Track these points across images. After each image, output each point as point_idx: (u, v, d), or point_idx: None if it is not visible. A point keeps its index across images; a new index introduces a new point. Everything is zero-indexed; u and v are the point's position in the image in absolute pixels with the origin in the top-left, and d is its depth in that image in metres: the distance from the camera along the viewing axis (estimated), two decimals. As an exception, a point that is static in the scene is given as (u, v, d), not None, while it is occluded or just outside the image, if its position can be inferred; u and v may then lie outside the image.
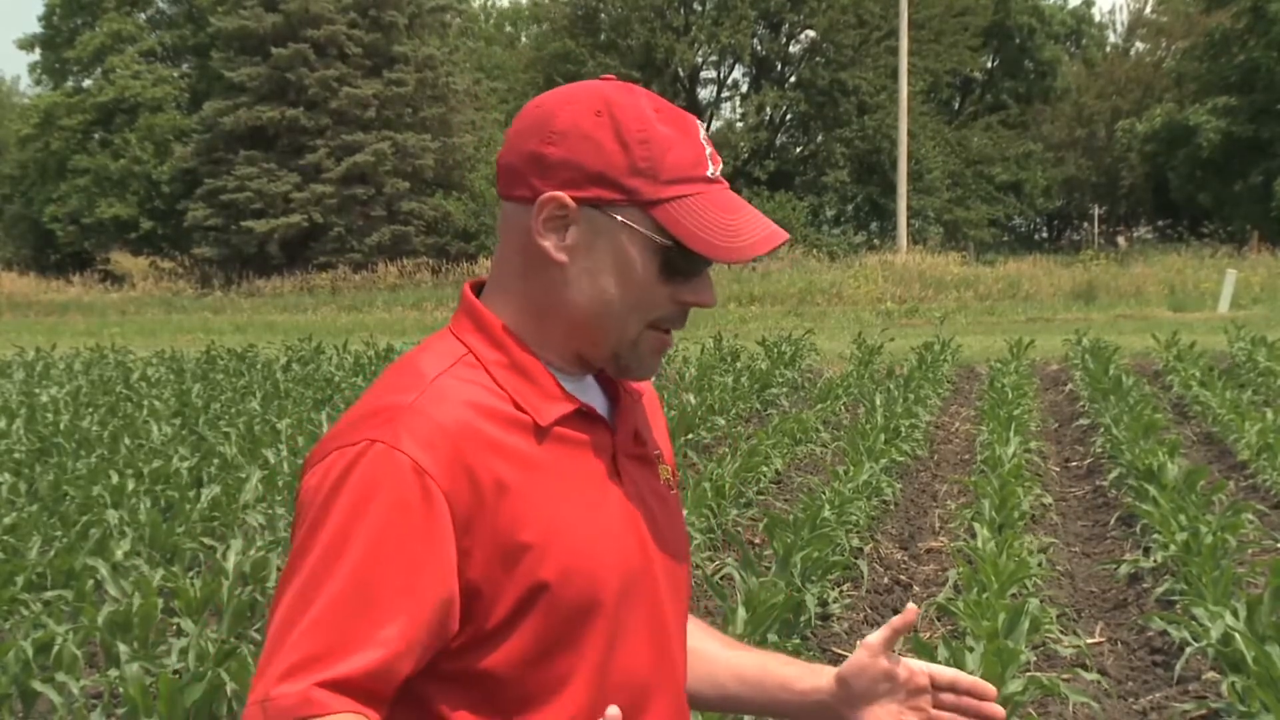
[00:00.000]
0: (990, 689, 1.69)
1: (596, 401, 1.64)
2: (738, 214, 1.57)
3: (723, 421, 11.81)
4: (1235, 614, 5.40)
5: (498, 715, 1.53)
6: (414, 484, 1.47)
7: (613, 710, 1.40)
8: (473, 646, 1.51)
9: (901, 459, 9.87)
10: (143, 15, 45.68)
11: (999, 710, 1.69)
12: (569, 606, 1.52)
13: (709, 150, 1.58)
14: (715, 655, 1.83)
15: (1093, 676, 5.40)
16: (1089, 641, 6.04)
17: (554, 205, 1.55)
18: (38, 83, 47.35)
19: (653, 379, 1.73)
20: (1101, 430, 10.79)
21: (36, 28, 47.06)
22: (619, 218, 1.55)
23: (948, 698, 1.72)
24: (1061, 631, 6.06)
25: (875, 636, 1.75)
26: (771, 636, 5.70)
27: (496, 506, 1.50)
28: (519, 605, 1.51)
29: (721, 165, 1.61)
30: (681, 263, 1.56)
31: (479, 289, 1.65)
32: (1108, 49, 58.06)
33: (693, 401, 12.38)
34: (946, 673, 1.71)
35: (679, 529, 1.70)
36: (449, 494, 1.48)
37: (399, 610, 1.45)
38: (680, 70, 46.85)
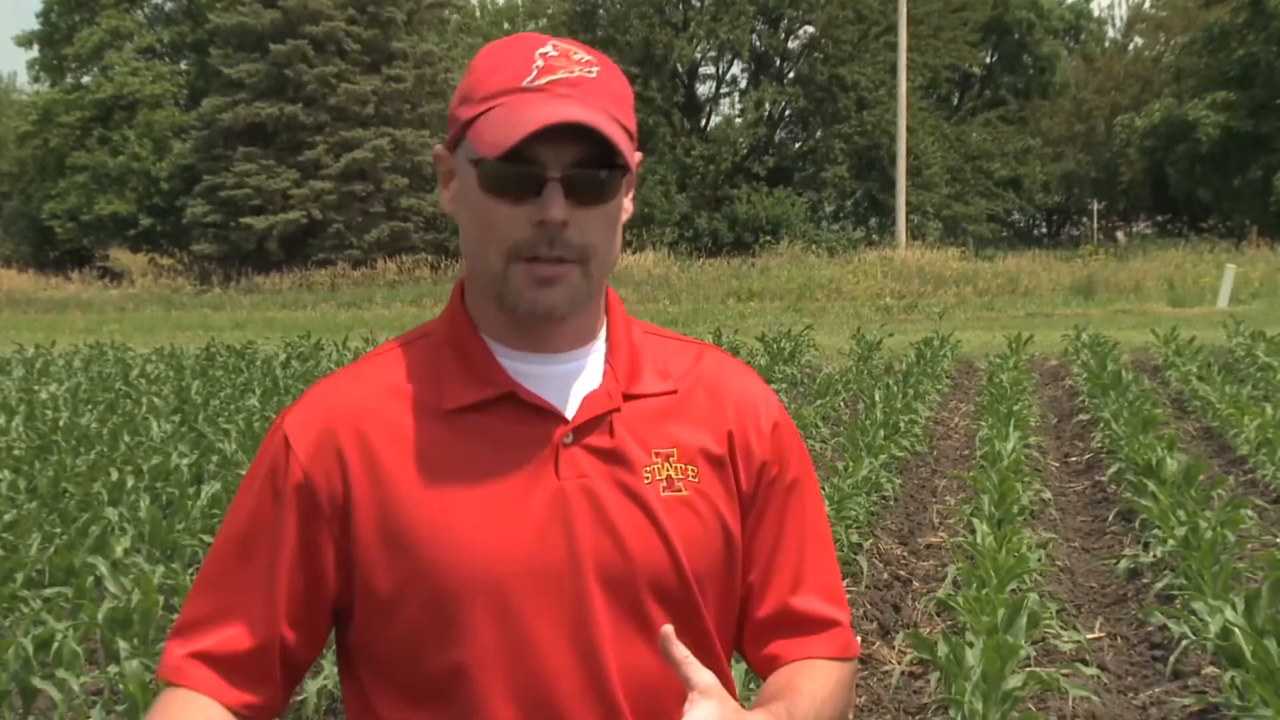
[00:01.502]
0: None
1: (562, 388, 1.57)
2: (531, 109, 1.47)
3: (722, 417, 11.81)
4: (1234, 608, 5.40)
5: (407, 701, 1.56)
6: (281, 460, 1.56)
7: None
8: (365, 625, 1.57)
9: (901, 454, 9.87)
10: (141, 12, 45.62)
11: None
12: (445, 594, 1.51)
13: (542, 63, 1.51)
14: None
15: (1092, 671, 5.40)
16: (1088, 636, 6.04)
17: (438, 161, 1.62)
18: (36, 80, 47.31)
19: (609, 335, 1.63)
20: (1101, 425, 10.79)
21: (35, 24, 47.02)
22: (460, 150, 1.56)
23: None
24: (1061, 626, 6.07)
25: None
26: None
27: (371, 489, 1.53)
28: (396, 587, 1.52)
29: (567, 75, 1.51)
30: (491, 174, 1.50)
31: None
32: (1106, 44, 58.00)
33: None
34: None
35: (651, 530, 1.55)
36: (309, 472, 1.54)
37: (260, 582, 1.55)
38: (679, 66, 46.79)
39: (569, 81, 1.50)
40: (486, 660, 1.51)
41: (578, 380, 1.58)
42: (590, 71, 1.52)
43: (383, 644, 1.56)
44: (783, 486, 1.67)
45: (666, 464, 1.58)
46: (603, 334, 1.64)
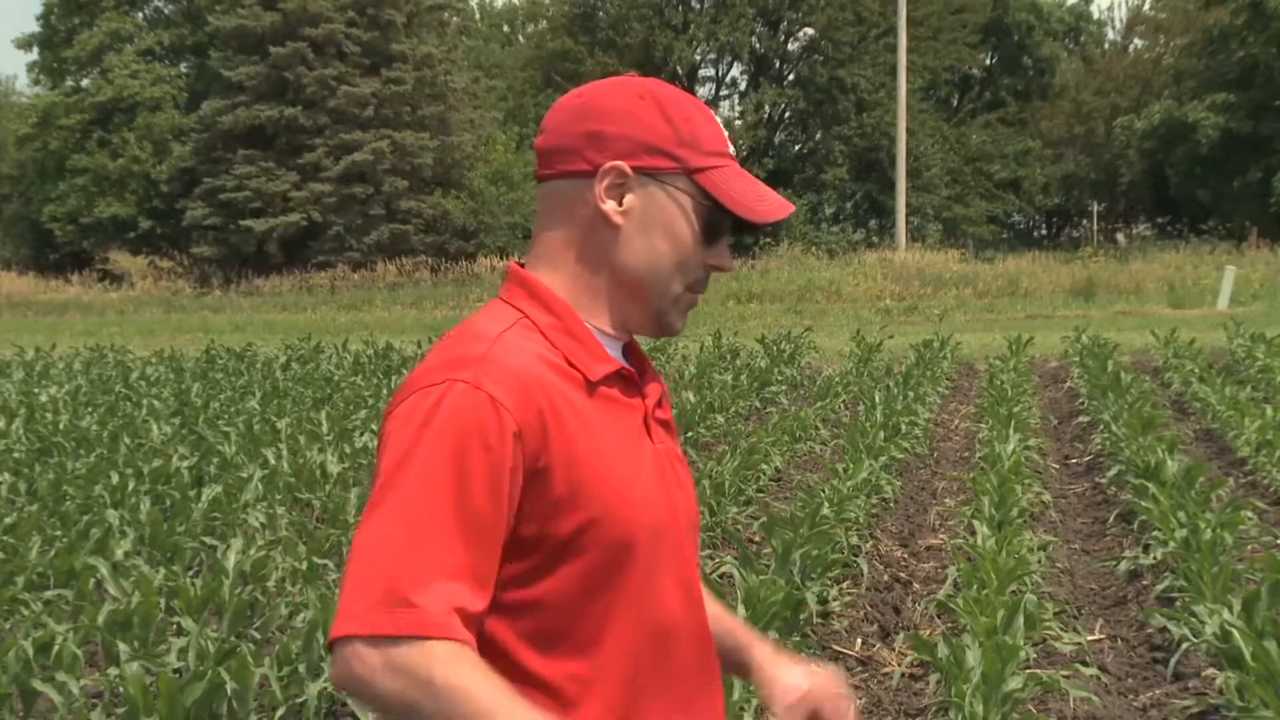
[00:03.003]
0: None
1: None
2: (758, 184, 1.82)
3: (722, 419, 11.81)
4: (1233, 610, 5.40)
5: (550, 648, 1.69)
6: (494, 419, 1.63)
7: None
8: (527, 577, 1.67)
9: (901, 456, 9.87)
10: (141, 14, 45.62)
11: None
12: (611, 545, 1.70)
13: (726, 134, 1.86)
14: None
15: (1092, 673, 5.40)
16: (1089, 638, 6.04)
17: (615, 173, 1.76)
18: (35, 82, 47.29)
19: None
20: (1101, 427, 10.79)
21: (34, 27, 47.02)
22: (670, 183, 1.77)
23: None
24: (1061, 628, 6.07)
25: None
26: (771, 634, 5.70)
27: (562, 447, 1.68)
28: (570, 539, 1.68)
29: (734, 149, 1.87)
30: (718, 224, 1.78)
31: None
32: (1106, 46, 58.05)
33: (692, 399, 12.37)
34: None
35: (693, 490, 1.90)
36: (523, 429, 1.65)
37: (493, 540, 1.63)
38: (679, 68, 46.81)
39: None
40: (633, 600, 1.72)
41: (626, 362, 1.84)
42: None
43: (540, 595, 1.68)
44: None
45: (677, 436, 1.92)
46: None
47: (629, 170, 1.75)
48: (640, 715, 1.72)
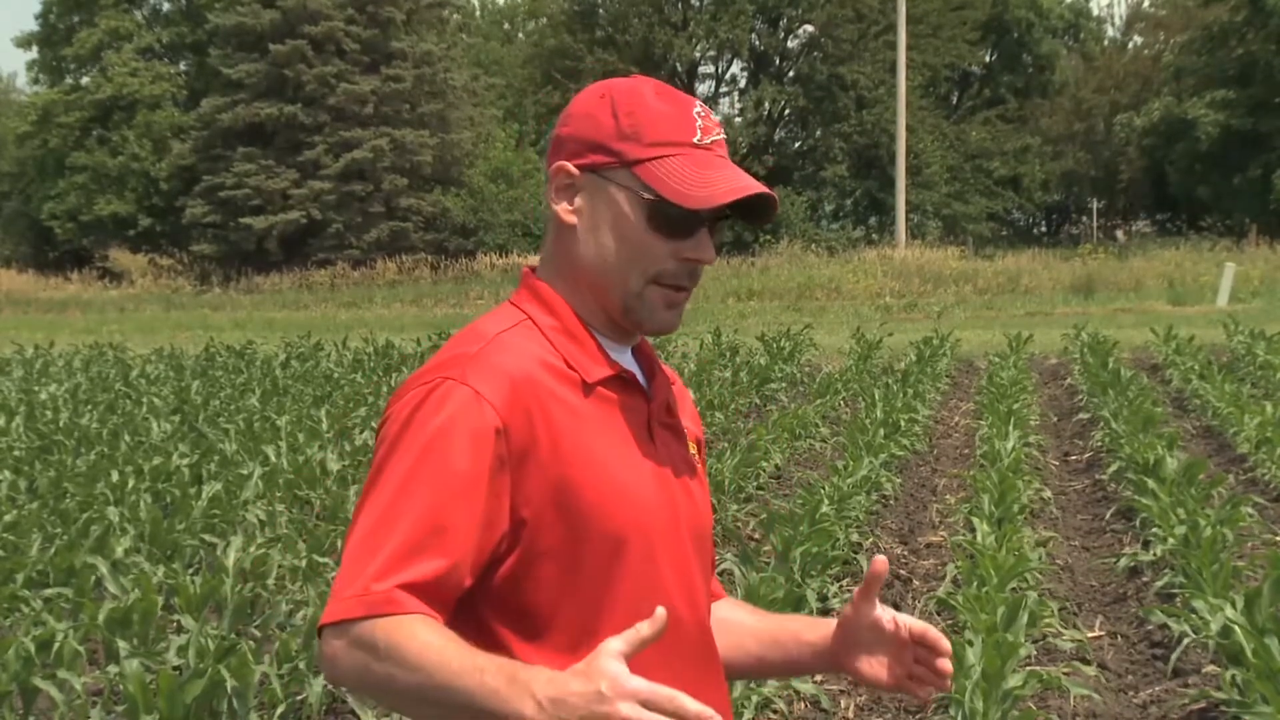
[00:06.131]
0: (944, 646, 1.87)
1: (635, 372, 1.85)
2: (714, 170, 1.76)
3: (722, 417, 11.80)
4: (1235, 606, 5.40)
5: (547, 644, 1.72)
6: (478, 414, 1.68)
7: (660, 611, 1.54)
8: (521, 573, 1.71)
9: (901, 454, 9.87)
10: (140, 13, 45.60)
11: (948, 666, 1.88)
12: (605, 543, 1.73)
13: (702, 123, 1.79)
14: (743, 622, 2.03)
15: (1092, 670, 5.41)
16: (1089, 635, 6.04)
17: (562, 174, 1.80)
18: (34, 80, 47.30)
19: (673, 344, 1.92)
20: (1101, 424, 10.79)
21: (34, 25, 46.96)
22: (612, 179, 1.77)
23: (920, 653, 1.89)
24: (1061, 625, 6.07)
25: (858, 590, 1.92)
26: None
27: (549, 445, 1.71)
28: (563, 537, 1.71)
29: (719, 137, 1.80)
30: (666, 216, 1.75)
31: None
32: (1106, 43, 57.98)
33: (691, 397, 12.36)
34: (915, 627, 1.88)
35: (705, 496, 1.91)
36: (508, 426, 1.68)
37: (463, 525, 1.66)
38: (678, 65, 46.79)
39: (720, 143, 1.81)
40: (632, 593, 1.74)
41: (631, 364, 1.86)
42: (724, 134, 1.83)
43: (535, 590, 1.71)
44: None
45: (688, 443, 1.93)
46: None
47: (574, 170, 1.79)
48: None
